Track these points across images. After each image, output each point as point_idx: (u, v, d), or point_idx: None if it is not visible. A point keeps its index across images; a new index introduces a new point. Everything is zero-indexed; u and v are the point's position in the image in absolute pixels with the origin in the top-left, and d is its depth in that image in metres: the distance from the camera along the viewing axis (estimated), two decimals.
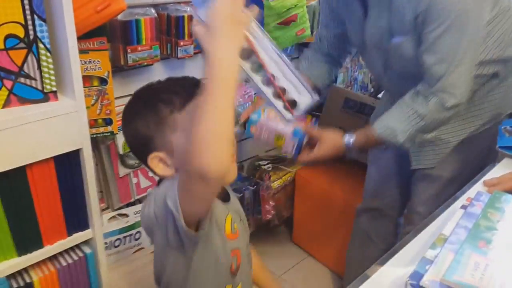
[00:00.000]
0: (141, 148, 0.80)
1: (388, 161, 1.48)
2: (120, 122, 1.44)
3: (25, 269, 1.09)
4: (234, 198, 0.91)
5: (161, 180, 0.83)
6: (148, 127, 0.78)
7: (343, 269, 1.80)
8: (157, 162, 0.79)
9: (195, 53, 1.63)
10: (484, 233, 0.69)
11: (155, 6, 1.49)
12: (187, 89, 0.78)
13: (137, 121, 0.79)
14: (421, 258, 0.63)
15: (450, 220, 0.74)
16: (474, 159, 1.28)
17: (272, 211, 2.04)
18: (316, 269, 2.09)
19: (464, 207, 0.77)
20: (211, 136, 0.60)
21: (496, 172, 1.05)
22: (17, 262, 1.05)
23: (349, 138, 1.16)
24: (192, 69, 1.73)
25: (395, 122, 1.12)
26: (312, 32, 1.97)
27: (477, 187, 0.96)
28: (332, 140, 1.18)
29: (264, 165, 2.09)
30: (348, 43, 1.39)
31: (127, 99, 1.53)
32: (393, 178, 1.50)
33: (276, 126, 1.19)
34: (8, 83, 0.97)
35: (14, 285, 1.05)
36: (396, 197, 1.52)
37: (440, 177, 1.30)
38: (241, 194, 1.93)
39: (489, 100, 1.23)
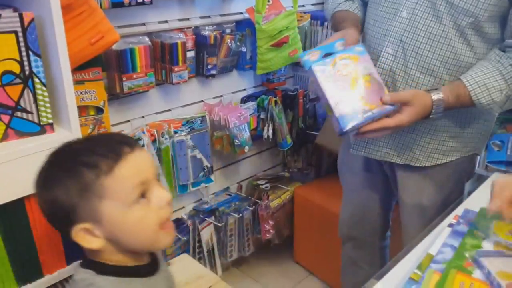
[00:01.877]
0: (61, 219, 0.72)
1: (366, 187, 1.41)
2: None
3: None
4: (164, 267, 0.86)
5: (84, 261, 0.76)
6: (70, 196, 0.69)
7: None
8: (83, 235, 0.71)
9: (189, 77, 1.67)
10: (469, 251, 0.70)
11: (148, 34, 1.53)
12: (114, 149, 0.71)
13: (55, 189, 0.70)
14: (407, 279, 0.64)
15: (438, 238, 0.76)
16: (454, 185, 1.24)
17: (271, 231, 2.05)
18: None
19: (451, 225, 0.79)
20: None
21: (485, 187, 1.06)
22: None
23: (438, 96, 1.02)
24: (187, 94, 1.77)
25: (488, 79, 1.01)
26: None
27: (465, 205, 0.97)
28: (422, 100, 1.02)
29: (262, 184, 2.11)
30: None
31: (123, 126, 1.59)
32: (372, 205, 1.43)
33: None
34: (5, 118, 0.99)
35: None
36: (377, 224, 1.46)
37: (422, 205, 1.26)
38: (240, 215, 1.94)
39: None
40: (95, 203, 0.69)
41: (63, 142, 0.75)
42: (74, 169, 0.69)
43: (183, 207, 1.89)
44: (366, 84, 1.02)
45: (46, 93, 1.02)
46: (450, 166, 1.19)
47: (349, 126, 0.98)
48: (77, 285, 0.72)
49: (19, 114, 1.01)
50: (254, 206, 2.01)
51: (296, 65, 2.15)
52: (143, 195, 0.72)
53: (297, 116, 2.11)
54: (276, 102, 1.96)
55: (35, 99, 1.01)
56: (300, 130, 2.13)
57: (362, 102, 1.00)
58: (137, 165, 0.72)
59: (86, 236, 0.71)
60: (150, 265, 0.81)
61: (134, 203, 0.71)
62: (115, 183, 0.69)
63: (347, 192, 1.51)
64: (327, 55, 1.04)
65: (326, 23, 2.00)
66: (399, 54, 1.11)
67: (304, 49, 1.98)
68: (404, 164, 1.20)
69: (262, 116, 1.97)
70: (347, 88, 1.01)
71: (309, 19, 2.04)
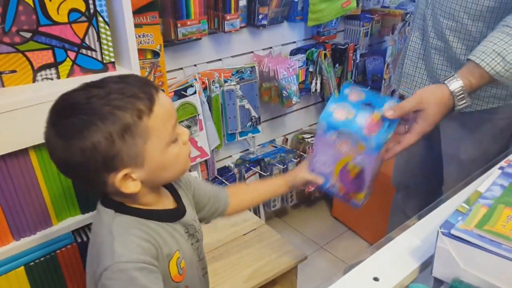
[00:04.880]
0: (98, 168, 0.68)
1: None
2: (171, 94, 1.53)
3: (88, 226, 1.20)
4: (190, 208, 0.88)
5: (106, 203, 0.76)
6: (112, 141, 0.66)
7: None
8: (124, 180, 0.70)
9: (241, 27, 1.68)
10: None
11: None
12: (145, 90, 0.70)
13: (93, 136, 0.65)
14: (454, 210, 0.66)
15: (487, 178, 0.76)
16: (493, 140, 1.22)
17: None
18: (357, 243, 2.13)
19: (502, 168, 0.79)
20: None
21: None
22: (81, 219, 1.15)
23: (455, 84, 0.92)
24: (237, 44, 1.79)
25: (496, 45, 0.91)
26: (358, 3, 1.97)
27: None
28: (435, 98, 0.92)
29: (308, 138, 2.13)
30: None
31: (176, 73, 1.64)
32: (428, 156, 1.45)
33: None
34: (72, 54, 1.06)
35: (78, 239, 1.15)
36: (431, 175, 1.46)
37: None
38: (285, 166, 1.98)
39: None
40: (140, 145, 0.68)
41: (65, 92, 0.71)
42: (110, 113, 0.66)
43: (230, 156, 1.96)
44: (351, 172, 0.97)
45: (109, 32, 1.07)
46: (493, 113, 1.17)
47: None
48: (101, 227, 0.74)
49: (84, 51, 1.07)
50: (299, 159, 2.04)
51: (348, 18, 2.11)
52: (177, 135, 0.75)
53: (346, 70, 2.09)
54: (325, 55, 1.95)
55: (99, 37, 1.07)
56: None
57: (338, 182, 1.01)
58: (167, 105, 0.74)
59: (126, 182, 0.71)
60: (174, 211, 0.84)
61: (171, 143, 0.73)
62: (157, 123, 0.70)
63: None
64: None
65: None
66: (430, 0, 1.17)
67: (358, 0, 1.94)
68: None
69: (311, 69, 1.97)
70: (331, 163, 0.98)
71: None
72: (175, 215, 0.82)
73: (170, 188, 0.87)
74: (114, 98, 0.67)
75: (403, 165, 1.53)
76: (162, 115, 0.71)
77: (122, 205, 0.76)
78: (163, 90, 1.41)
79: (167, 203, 0.84)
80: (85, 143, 0.66)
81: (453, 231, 0.61)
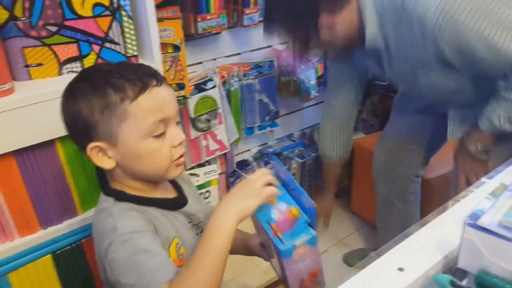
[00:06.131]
0: (79, 133, 0.75)
1: (416, 125, 1.50)
2: (192, 87, 1.54)
3: None
4: (193, 201, 0.89)
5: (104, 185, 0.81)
6: (92, 112, 0.72)
7: None
8: (97, 152, 0.74)
9: (259, 21, 1.68)
10: None
11: None
12: (142, 78, 0.73)
13: (80, 103, 0.72)
14: (479, 202, 0.66)
15: None
16: None
17: None
18: (377, 237, 2.11)
19: None
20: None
21: None
22: None
23: (474, 145, 1.15)
24: (256, 38, 1.79)
25: (487, 111, 1.10)
26: None
27: None
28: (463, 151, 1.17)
29: None
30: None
31: (196, 67, 1.65)
32: (416, 141, 1.52)
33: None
34: (96, 48, 1.07)
35: None
36: (416, 161, 1.54)
37: None
38: (303, 160, 1.99)
39: None
40: (115, 125, 0.72)
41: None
42: (102, 88, 0.72)
43: (249, 150, 1.97)
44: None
45: (132, 26, 1.09)
46: None
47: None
48: (100, 213, 0.78)
49: (107, 44, 1.08)
50: (317, 153, 2.04)
51: None
52: (161, 131, 0.75)
53: None
54: None
55: (122, 31, 1.08)
56: (366, 80, 2.10)
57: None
58: (161, 100, 0.74)
59: (99, 154, 0.74)
60: (174, 201, 0.85)
61: (149, 136, 0.74)
62: (137, 111, 0.72)
63: (392, 124, 1.59)
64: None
65: None
66: None
67: None
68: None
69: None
70: (267, 244, 0.83)
71: None
72: (174, 204, 0.85)
73: (173, 183, 0.89)
74: (113, 76, 0.73)
75: (386, 153, 1.60)
76: (146, 105, 0.72)
77: (122, 193, 0.79)
78: (181, 84, 1.44)
79: (167, 193, 0.86)
80: (73, 107, 0.73)
81: (479, 222, 0.61)
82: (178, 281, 0.65)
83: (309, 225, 0.72)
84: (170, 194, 0.87)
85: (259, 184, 0.71)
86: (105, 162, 0.75)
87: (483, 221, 0.61)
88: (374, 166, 1.65)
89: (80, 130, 0.74)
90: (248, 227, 0.86)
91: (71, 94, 0.75)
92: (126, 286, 0.68)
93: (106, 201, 0.78)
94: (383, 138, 1.62)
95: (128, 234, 0.71)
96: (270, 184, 0.74)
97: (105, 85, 0.72)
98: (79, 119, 0.73)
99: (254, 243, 0.94)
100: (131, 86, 0.72)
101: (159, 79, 0.76)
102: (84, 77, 0.77)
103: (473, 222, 0.61)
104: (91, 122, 0.72)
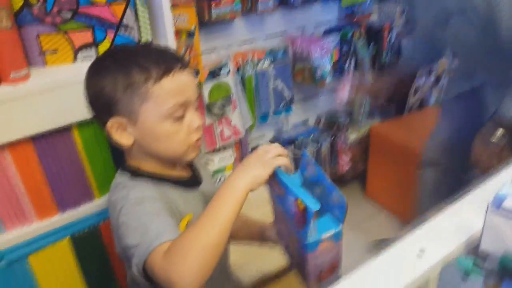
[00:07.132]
0: (101, 108, 0.77)
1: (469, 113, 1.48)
2: (206, 74, 1.53)
3: None
4: (208, 183, 0.90)
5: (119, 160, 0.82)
6: (115, 89, 0.74)
7: None
8: (116, 128, 0.76)
9: (273, 7, 1.66)
10: None
11: None
12: (167, 61, 0.75)
13: (104, 79, 0.74)
14: (502, 186, 0.64)
15: None
16: None
17: (349, 163, 2.07)
18: (391, 222, 2.11)
19: None
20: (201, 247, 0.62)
21: None
22: None
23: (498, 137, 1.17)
24: (270, 24, 1.77)
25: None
26: None
27: None
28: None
29: (341, 118, 2.11)
30: None
31: (211, 54, 1.64)
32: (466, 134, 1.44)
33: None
34: (110, 34, 1.07)
35: None
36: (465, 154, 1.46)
37: None
38: (318, 145, 1.97)
39: None
40: (137, 104, 0.73)
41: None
42: (127, 66, 0.73)
43: (263, 135, 1.96)
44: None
45: (146, 12, 1.08)
46: None
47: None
48: (115, 188, 0.79)
49: (122, 31, 1.08)
50: (332, 138, 2.03)
51: None
52: (180, 115, 0.76)
53: (381, 51, 2.05)
54: (360, 35, 1.91)
55: (137, 17, 1.08)
56: (383, 65, 2.07)
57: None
58: (183, 84, 0.76)
59: (118, 130, 0.76)
60: (189, 180, 0.86)
61: (168, 118, 0.75)
62: (159, 92, 0.73)
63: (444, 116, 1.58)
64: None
65: None
66: None
67: None
68: None
69: (345, 48, 1.94)
70: (286, 235, 0.81)
71: None
72: (189, 183, 0.86)
73: (189, 163, 0.90)
74: (140, 56, 0.75)
75: (436, 142, 1.56)
76: (168, 88, 0.74)
77: (138, 169, 0.80)
78: (196, 71, 1.43)
79: (183, 173, 0.87)
80: (97, 83, 0.75)
81: (504, 205, 0.59)
82: (179, 241, 0.64)
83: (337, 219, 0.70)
84: (186, 174, 0.88)
85: (270, 155, 0.70)
86: (124, 138, 0.77)
87: (507, 205, 0.59)
88: (425, 153, 1.64)
89: (102, 106, 0.76)
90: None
91: (96, 70, 0.77)
92: (132, 248, 0.68)
93: (121, 176, 0.80)
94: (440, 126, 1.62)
95: (139, 198, 0.73)
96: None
97: (131, 64, 0.73)
98: (102, 94, 0.74)
99: (271, 234, 0.94)
100: (156, 67, 0.73)
101: (184, 64, 0.77)
102: (110, 55, 0.79)
103: (497, 206, 0.60)
104: (114, 98, 0.74)
